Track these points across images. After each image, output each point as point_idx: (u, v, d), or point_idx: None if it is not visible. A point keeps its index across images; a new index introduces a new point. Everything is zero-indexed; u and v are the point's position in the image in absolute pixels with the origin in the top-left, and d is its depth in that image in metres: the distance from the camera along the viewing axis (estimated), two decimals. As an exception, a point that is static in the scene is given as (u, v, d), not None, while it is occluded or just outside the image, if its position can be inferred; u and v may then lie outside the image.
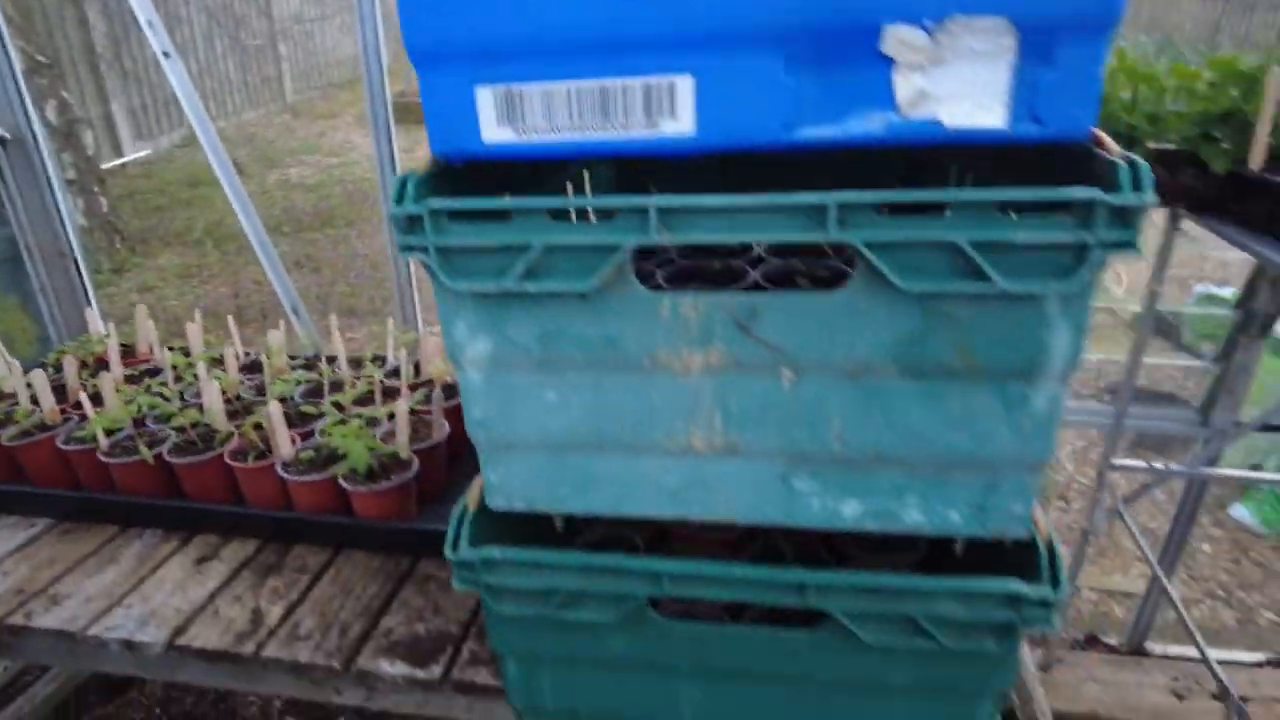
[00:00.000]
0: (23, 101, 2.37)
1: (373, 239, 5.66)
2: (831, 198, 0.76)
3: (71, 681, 2.36)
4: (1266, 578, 2.84)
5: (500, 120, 0.83)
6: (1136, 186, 0.73)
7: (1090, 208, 0.73)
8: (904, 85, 0.75)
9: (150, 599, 1.58)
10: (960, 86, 0.74)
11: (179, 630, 1.49)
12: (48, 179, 2.43)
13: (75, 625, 1.51)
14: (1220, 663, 2.33)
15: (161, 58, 2.15)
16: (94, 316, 2.53)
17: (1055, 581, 0.92)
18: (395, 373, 2.13)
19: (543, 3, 0.77)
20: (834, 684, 1.03)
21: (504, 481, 1.01)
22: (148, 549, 1.74)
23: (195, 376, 2.15)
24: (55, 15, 7.06)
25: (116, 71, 7.79)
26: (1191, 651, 2.42)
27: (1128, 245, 0.74)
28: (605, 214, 0.82)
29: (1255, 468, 3.32)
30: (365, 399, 2.02)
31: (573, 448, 0.96)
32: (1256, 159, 1.57)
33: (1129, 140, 1.65)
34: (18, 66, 2.39)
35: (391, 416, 1.84)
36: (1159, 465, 1.99)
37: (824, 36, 0.74)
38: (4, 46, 2.26)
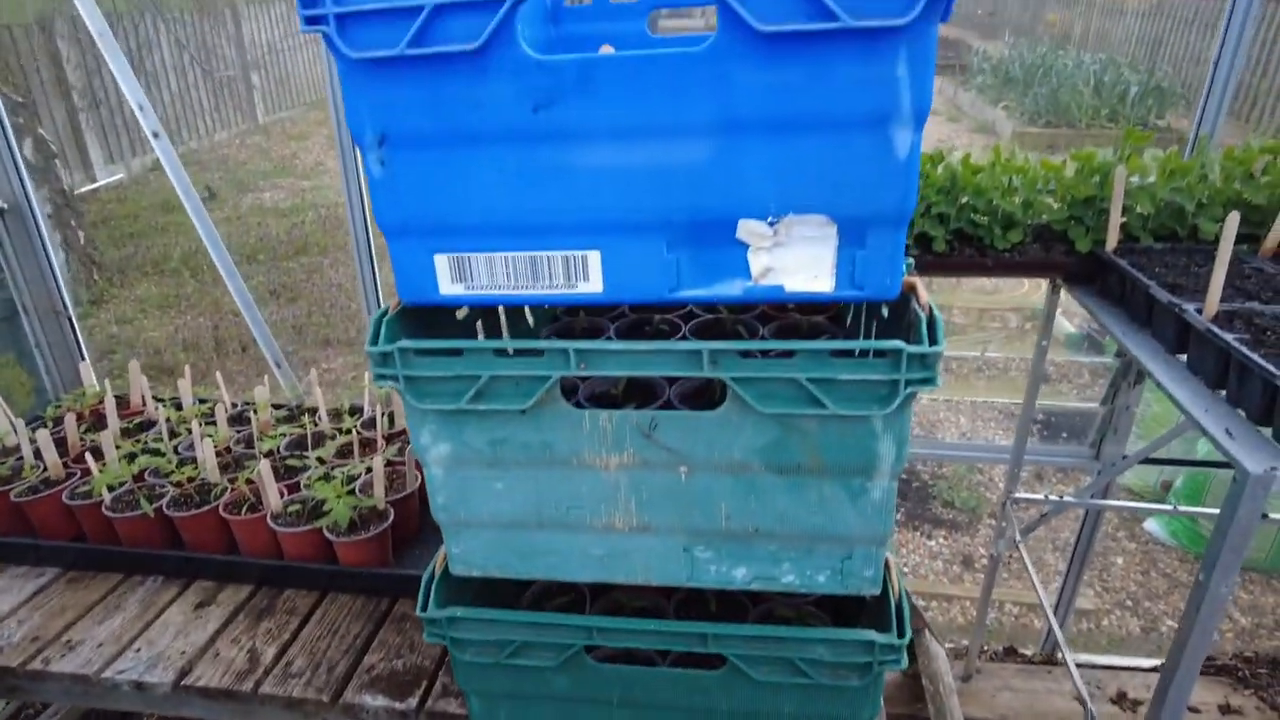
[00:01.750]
0: (20, 173, 2.55)
1: (347, 266, 5.84)
2: (704, 346, 1.00)
3: (75, 713, 2.54)
4: (1171, 588, 3.13)
5: (454, 279, 1.06)
6: (933, 338, 0.97)
7: (899, 354, 0.97)
8: (755, 261, 0.99)
9: (156, 643, 1.77)
10: (797, 262, 0.98)
11: (184, 671, 1.69)
12: (43, 243, 2.61)
13: (89, 669, 1.71)
14: (1122, 669, 2.61)
15: (151, 138, 2.35)
16: (87, 369, 2.70)
17: (901, 631, 1.16)
18: (371, 423, 2.34)
19: (485, 201, 1.00)
20: (736, 714, 1.26)
21: (464, 553, 1.24)
22: (150, 595, 1.93)
23: (188, 430, 2.34)
24: (26, 47, 7.15)
25: (88, 99, 7.89)
26: (1097, 659, 2.70)
27: (929, 382, 0.98)
28: (537, 351, 1.05)
29: (1168, 485, 3.62)
30: (345, 450, 2.23)
31: (518, 526, 1.19)
32: (1111, 241, 1.84)
33: (1008, 222, 1.91)
34: (14, 140, 2.58)
35: (369, 470, 2.06)
36: (1054, 496, 2.25)
37: (695, 227, 0.98)
38: (3, 125, 2.44)
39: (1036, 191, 1.95)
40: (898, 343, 0.96)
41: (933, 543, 3.34)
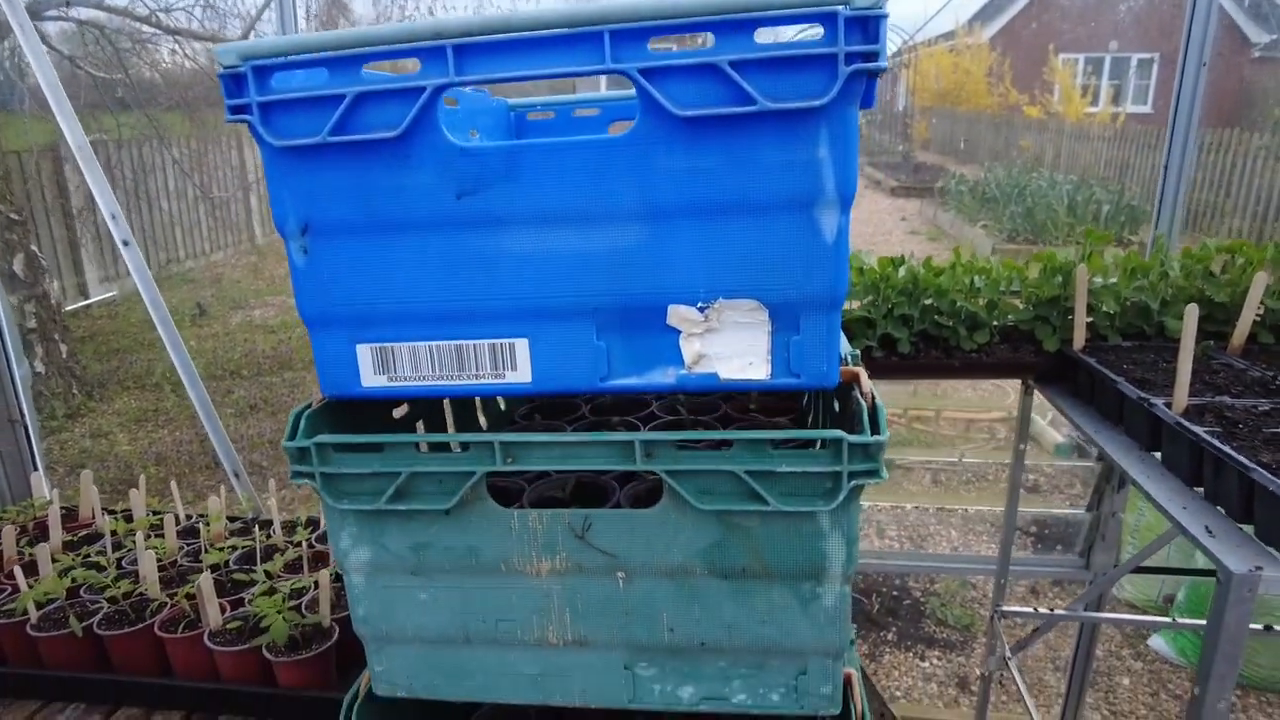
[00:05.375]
0: (-12, 282, 2.55)
1: (330, 381, 5.80)
2: (637, 437, 0.94)
3: None
4: (1183, 710, 2.92)
5: (376, 370, 1.02)
6: (875, 428, 0.92)
7: (840, 444, 0.91)
8: (688, 348, 0.94)
9: (66, 781, 1.61)
10: (731, 349, 0.94)
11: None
12: (5, 351, 2.58)
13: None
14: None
15: (121, 246, 2.36)
16: (39, 480, 2.61)
17: (867, 752, 1.04)
18: (325, 537, 2.24)
19: (409, 289, 0.96)
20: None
21: (387, 671, 1.13)
22: (68, 727, 1.78)
23: (135, 543, 2.23)
24: (32, 170, 7.39)
25: (88, 220, 8.10)
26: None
27: (874, 474, 0.92)
28: (462, 445, 0.99)
29: (1171, 599, 3.46)
30: (295, 564, 2.11)
31: (445, 642, 1.09)
32: (1078, 340, 1.82)
33: (973, 323, 1.90)
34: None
35: (317, 584, 1.94)
36: (1044, 610, 2.13)
37: (625, 312, 0.94)
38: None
39: (1001, 292, 1.94)
40: (838, 432, 0.91)
41: (926, 664, 3.15)
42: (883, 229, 12.39)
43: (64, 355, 5.66)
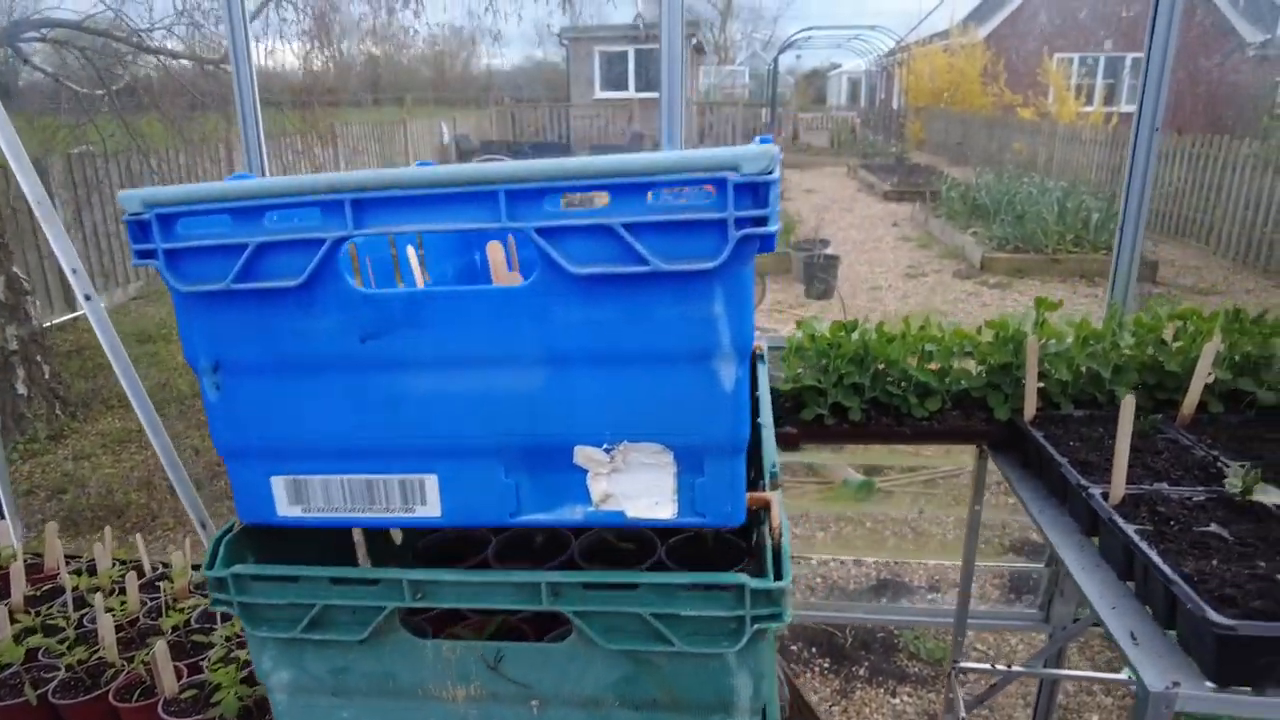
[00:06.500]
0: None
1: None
2: (543, 577, 0.95)
3: None
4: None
5: (291, 501, 1.02)
6: (778, 573, 0.92)
7: (742, 589, 0.92)
8: (595, 487, 0.95)
9: None
10: (637, 489, 0.94)
11: None
12: (-29, 401, 2.58)
13: None
14: None
15: (83, 300, 2.36)
16: (5, 529, 2.61)
17: None
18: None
19: (319, 425, 0.97)
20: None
21: (311, 785, 1.14)
22: (19, 799, 1.78)
23: (96, 602, 2.23)
24: (13, 186, 7.37)
25: (76, 233, 8.08)
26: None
27: (777, 618, 0.92)
28: (373, 580, 1.00)
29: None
30: (254, 624, 2.12)
31: (366, 759, 1.10)
32: (1029, 411, 1.82)
33: (924, 391, 1.90)
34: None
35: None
36: (1002, 666, 2.14)
37: (532, 452, 0.95)
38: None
39: (953, 356, 1.94)
40: (741, 577, 0.91)
41: (896, 700, 3.17)
42: (874, 235, 12.38)
43: (46, 376, 5.66)
